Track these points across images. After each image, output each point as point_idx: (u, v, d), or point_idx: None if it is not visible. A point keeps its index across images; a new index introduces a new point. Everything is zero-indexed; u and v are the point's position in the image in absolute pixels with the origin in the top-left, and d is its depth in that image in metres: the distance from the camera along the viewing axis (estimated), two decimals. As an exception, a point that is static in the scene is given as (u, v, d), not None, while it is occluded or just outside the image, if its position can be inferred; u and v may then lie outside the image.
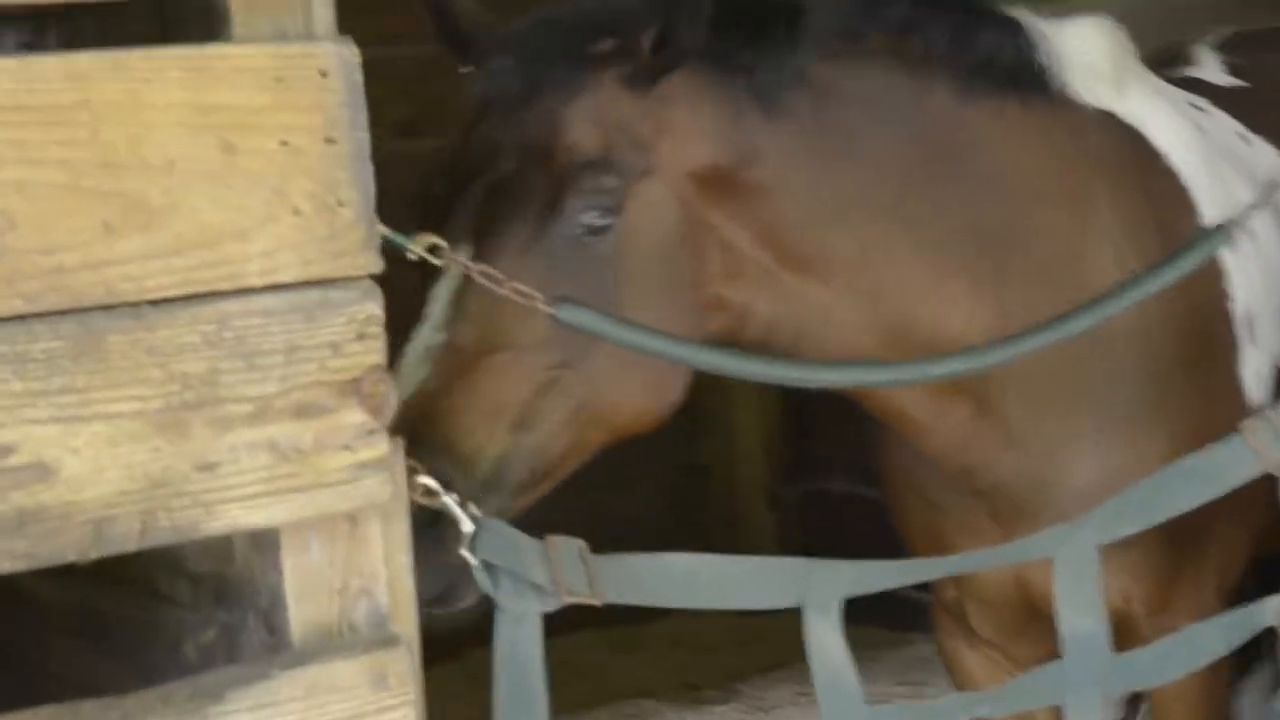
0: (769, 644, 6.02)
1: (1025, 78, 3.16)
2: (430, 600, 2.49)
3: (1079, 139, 3.22)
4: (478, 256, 2.68)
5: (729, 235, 2.88)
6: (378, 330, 2.22)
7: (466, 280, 2.67)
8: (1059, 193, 3.18)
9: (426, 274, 2.68)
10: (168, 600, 2.44)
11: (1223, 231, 3.00)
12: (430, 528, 2.49)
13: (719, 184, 2.87)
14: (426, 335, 2.67)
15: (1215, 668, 3.19)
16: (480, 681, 6.59)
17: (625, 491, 6.21)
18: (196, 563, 2.37)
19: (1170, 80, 3.80)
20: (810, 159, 2.93)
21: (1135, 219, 3.18)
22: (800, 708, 5.89)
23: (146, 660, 2.44)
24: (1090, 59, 3.26)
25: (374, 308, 2.21)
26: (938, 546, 3.29)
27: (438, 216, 2.74)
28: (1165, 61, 4.11)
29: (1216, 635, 3.02)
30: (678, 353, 2.74)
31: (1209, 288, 3.30)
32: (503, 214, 2.72)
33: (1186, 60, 4.03)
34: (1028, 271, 3.09)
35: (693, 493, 7.06)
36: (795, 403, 6.61)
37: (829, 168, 2.94)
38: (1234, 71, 3.93)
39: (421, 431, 2.54)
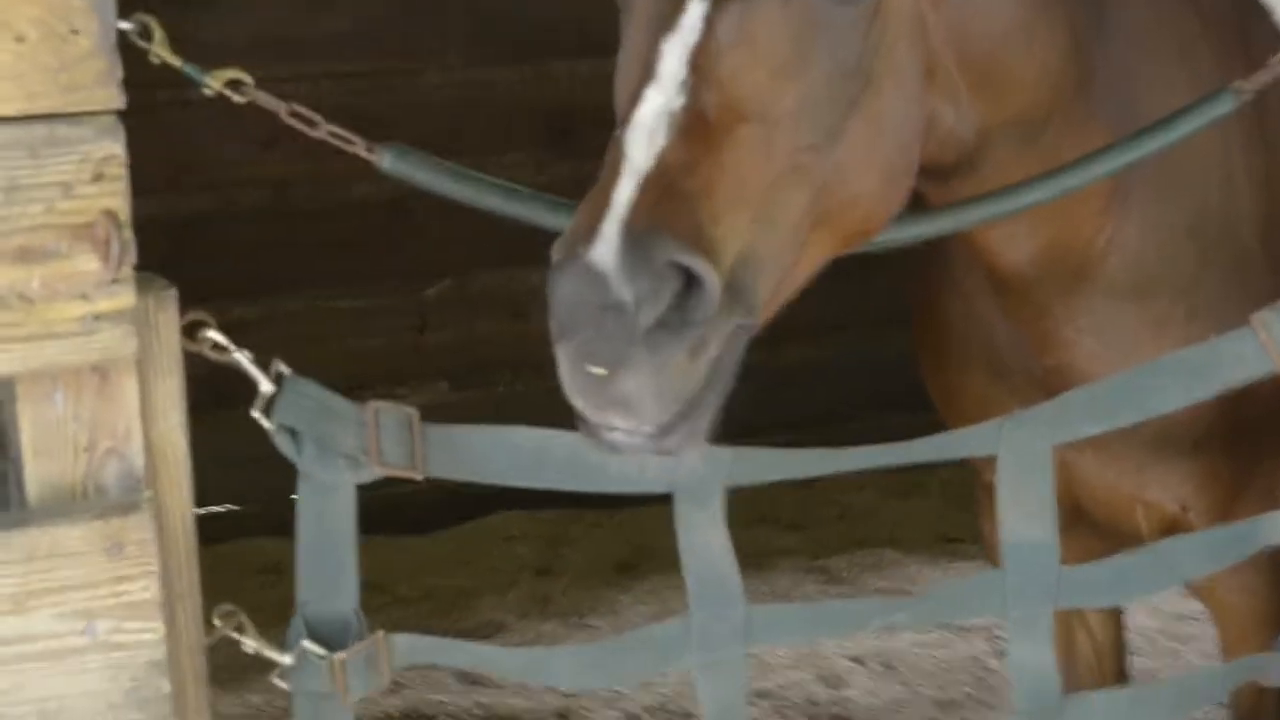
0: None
1: None
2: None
3: None
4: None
5: (930, 29, 2.56)
6: (118, 172, 2.04)
7: (708, 35, 2.30)
8: (1171, 48, 2.94)
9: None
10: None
11: (1234, 88, 2.62)
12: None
13: None
14: (664, 97, 2.28)
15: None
16: (465, 554, 6.44)
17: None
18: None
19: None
20: None
21: (1237, 78, 2.83)
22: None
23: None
24: None
25: (114, 147, 2.03)
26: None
27: None
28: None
29: (1198, 553, 2.67)
30: (511, 208, 2.49)
31: None
32: None
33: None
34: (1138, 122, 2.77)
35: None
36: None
37: None
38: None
39: (663, 211, 2.20)
